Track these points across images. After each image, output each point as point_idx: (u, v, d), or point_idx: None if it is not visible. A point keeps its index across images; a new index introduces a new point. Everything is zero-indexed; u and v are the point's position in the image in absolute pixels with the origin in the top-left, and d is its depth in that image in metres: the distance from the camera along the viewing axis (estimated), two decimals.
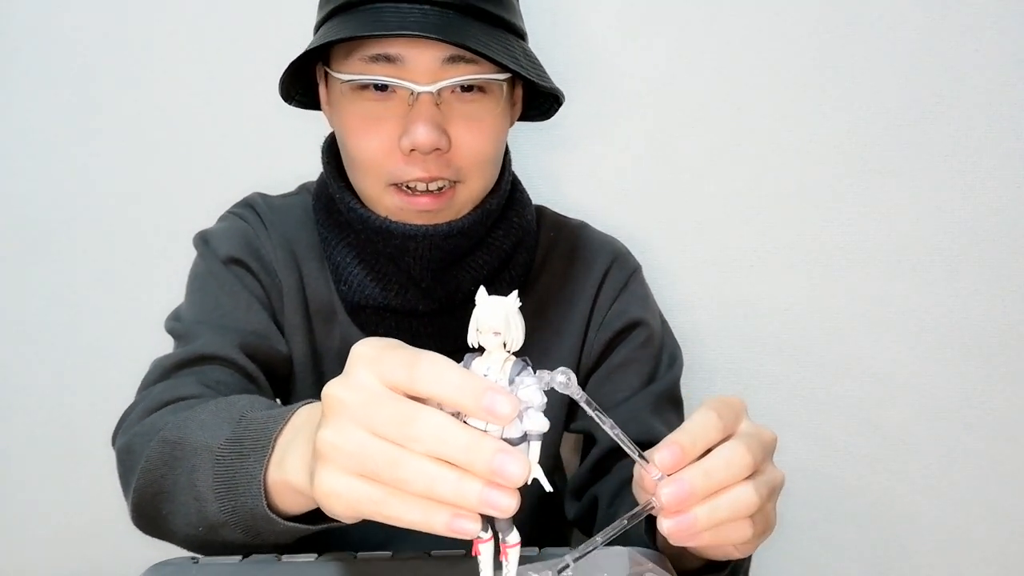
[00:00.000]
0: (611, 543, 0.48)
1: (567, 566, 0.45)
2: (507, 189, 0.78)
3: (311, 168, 1.03)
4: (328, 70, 0.71)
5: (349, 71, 0.68)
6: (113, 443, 0.70)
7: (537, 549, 0.66)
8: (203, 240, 0.81)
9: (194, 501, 0.56)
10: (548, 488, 0.42)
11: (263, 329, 0.76)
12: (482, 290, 0.43)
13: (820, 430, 1.10)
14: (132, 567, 0.77)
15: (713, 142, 1.05)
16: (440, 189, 0.70)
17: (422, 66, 0.66)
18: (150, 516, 0.62)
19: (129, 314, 1.12)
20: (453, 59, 0.66)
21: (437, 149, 0.67)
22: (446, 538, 0.51)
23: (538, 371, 0.41)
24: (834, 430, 1.10)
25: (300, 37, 1.02)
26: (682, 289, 1.08)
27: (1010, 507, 1.11)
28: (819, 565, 1.13)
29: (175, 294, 1.08)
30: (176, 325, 0.78)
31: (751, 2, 1.02)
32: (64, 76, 1.07)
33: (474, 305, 0.46)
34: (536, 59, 0.73)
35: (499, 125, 0.72)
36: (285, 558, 0.66)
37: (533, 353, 0.75)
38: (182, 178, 1.09)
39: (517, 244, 0.78)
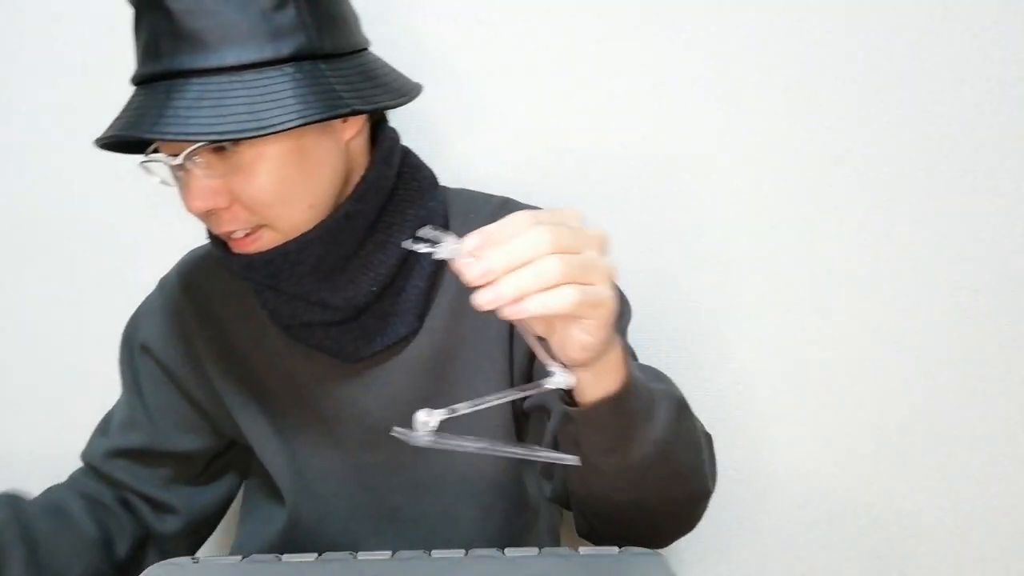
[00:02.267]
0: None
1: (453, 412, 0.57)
2: (382, 192, 0.75)
3: None
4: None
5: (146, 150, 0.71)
6: None
7: (537, 550, 0.66)
8: (128, 331, 0.89)
9: None
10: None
11: (167, 432, 0.86)
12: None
13: (820, 430, 1.10)
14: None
15: (713, 142, 1.05)
16: (247, 234, 0.71)
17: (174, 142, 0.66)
18: None
19: (129, 314, 1.12)
20: None
21: (213, 211, 0.69)
22: (443, 538, 0.58)
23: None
24: (834, 430, 1.10)
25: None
26: (682, 289, 1.08)
27: (1010, 507, 1.11)
28: (819, 565, 1.13)
29: None
30: (107, 418, 0.90)
31: (751, 1, 1.02)
32: (64, 76, 1.07)
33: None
34: (332, 85, 0.67)
35: (278, 166, 0.68)
36: (285, 558, 0.66)
37: (466, 337, 0.78)
38: None
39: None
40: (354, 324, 0.77)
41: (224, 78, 0.64)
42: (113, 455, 0.86)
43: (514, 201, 0.86)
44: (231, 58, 0.65)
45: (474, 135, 1.06)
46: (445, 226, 0.80)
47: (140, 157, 0.72)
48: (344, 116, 0.68)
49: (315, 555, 0.66)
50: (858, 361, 1.09)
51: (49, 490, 0.85)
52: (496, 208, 0.84)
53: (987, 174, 1.04)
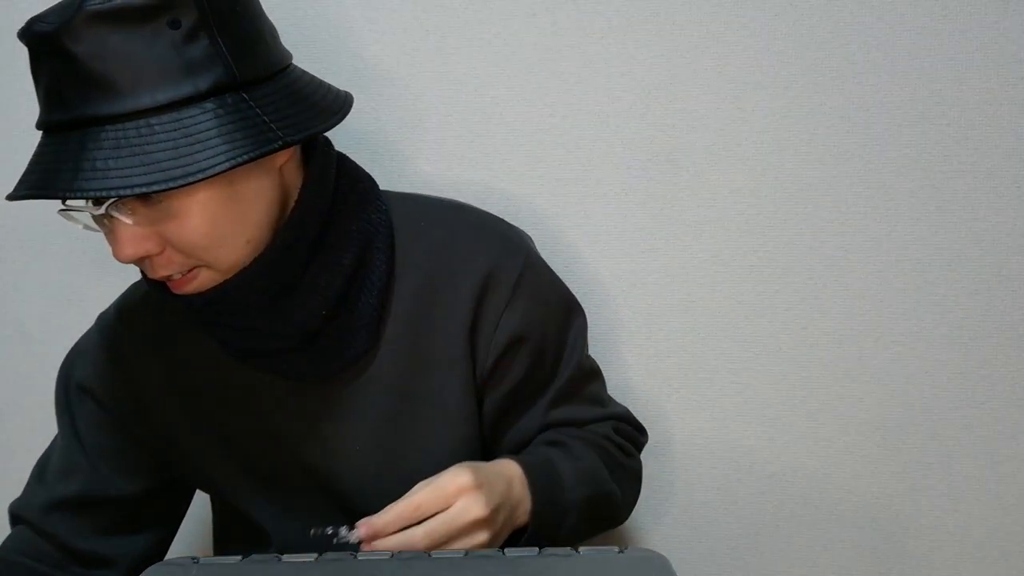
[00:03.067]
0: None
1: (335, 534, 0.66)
2: (317, 213, 0.72)
3: None
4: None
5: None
6: None
7: (537, 550, 0.66)
8: (64, 371, 0.84)
9: None
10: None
11: (104, 477, 0.81)
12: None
13: (820, 430, 1.10)
14: None
15: (713, 142, 1.05)
16: (183, 275, 0.68)
17: None
18: None
19: None
20: None
21: (145, 257, 0.66)
22: None
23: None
24: (834, 430, 1.10)
25: (301, 37, 1.02)
26: (682, 289, 1.08)
27: (1010, 507, 1.11)
28: (819, 565, 1.13)
29: None
30: (37, 465, 0.86)
31: (751, 1, 1.02)
32: None
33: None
34: (259, 116, 0.63)
35: (205, 208, 0.64)
36: (285, 558, 0.66)
37: (430, 352, 0.78)
38: None
39: (364, 250, 0.74)
40: (309, 348, 0.74)
41: (141, 122, 0.60)
42: (51, 507, 0.81)
43: (467, 207, 0.83)
44: (146, 100, 0.60)
45: (474, 136, 1.06)
46: (390, 239, 0.76)
47: (59, 204, 0.67)
48: (274, 151, 0.63)
49: (315, 555, 0.66)
50: (858, 361, 1.09)
51: None
52: (448, 214, 0.81)
53: (987, 174, 1.04)
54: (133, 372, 0.81)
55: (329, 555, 0.66)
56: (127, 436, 0.83)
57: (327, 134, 0.74)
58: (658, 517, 1.13)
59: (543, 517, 0.72)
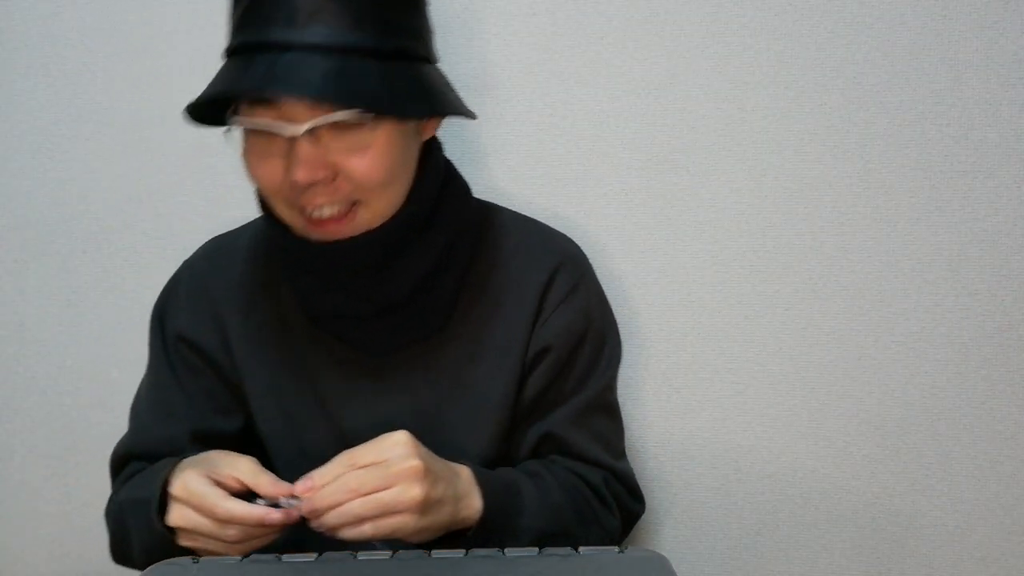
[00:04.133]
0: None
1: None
2: (433, 194, 0.79)
3: None
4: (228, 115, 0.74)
5: (239, 114, 0.71)
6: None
7: (537, 550, 0.66)
8: (158, 318, 0.88)
9: (138, 535, 0.76)
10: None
11: (207, 416, 0.86)
12: None
13: (820, 430, 1.10)
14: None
15: (713, 142, 1.05)
16: (340, 212, 0.73)
17: (296, 109, 0.68)
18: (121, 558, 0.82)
19: (129, 314, 1.12)
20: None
21: (315, 183, 0.70)
22: (442, 538, 0.73)
23: None
24: (834, 430, 1.10)
25: None
26: (682, 289, 1.08)
27: (1010, 507, 1.11)
28: (819, 565, 1.13)
29: None
30: (133, 409, 0.89)
31: (751, 2, 1.02)
32: (64, 76, 1.07)
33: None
34: (428, 81, 0.73)
35: (388, 149, 0.72)
36: (285, 558, 0.66)
37: (490, 345, 0.83)
38: (182, 177, 1.09)
39: (455, 238, 0.81)
40: (383, 319, 0.80)
41: (357, 58, 0.68)
42: (162, 443, 0.84)
43: (540, 222, 0.91)
44: (367, 42, 0.68)
45: (474, 136, 1.06)
46: (476, 236, 0.84)
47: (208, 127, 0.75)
48: (461, 115, 0.75)
49: (315, 555, 0.66)
50: (858, 361, 1.09)
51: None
52: (525, 223, 0.89)
53: (987, 174, 1.04)
54: (220, 315, 0.86)
55: (329, 555, 0.66)
56: (221, 379, 0.87)
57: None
58: (658, 517, 1.13)
59: (491, 527, 0.74)
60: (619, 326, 0.92)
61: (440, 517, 0.70)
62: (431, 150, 0.81)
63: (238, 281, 0.86)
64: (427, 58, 0.75)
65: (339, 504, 0.66)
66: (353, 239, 0.74)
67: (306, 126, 0.68)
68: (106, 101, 1.08)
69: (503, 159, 1.06)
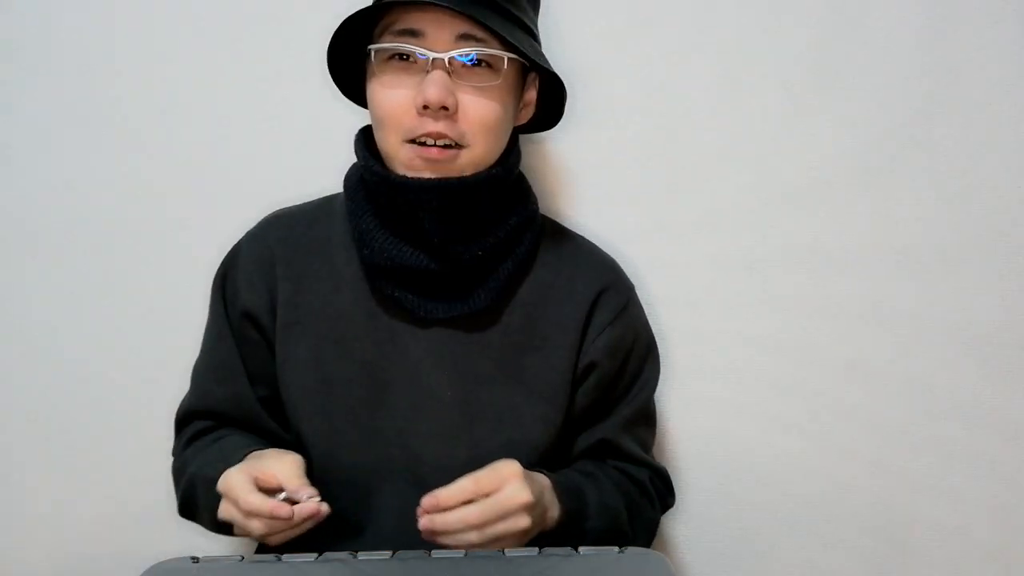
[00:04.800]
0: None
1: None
2: (515, 170, 0.88)
3: (306, 168, 1.03)
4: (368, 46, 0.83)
5: (381, 43, 0.81)
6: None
7: (537, 550, 0.66)
8: (220, 287, 0.92)
9: (205, 512, 0.83)
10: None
11: (261, 378, 0.90)
12: None
13: (820, 430, 1.10)
14: (132, 567, 0.77)
15: (713, 142, 1.05)
16: (447, 146, 0.81)
17: (439, 39, 0.79)
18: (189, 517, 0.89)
19: (129, 313, 1.12)
20: (465, 36, 0.79)
21: (444, 108, 0.78)
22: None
23: None
24: (834, 430, 1.10)
25: (303, 36, 1.02)
26: (682, 289, 1.08)
27: (1010, 507, 1.11)
28: (819, 565, 1.13)
29: (174, 293, 1.08)
30: (195, 370, 0.94)
31: (751, 2, 1.02)
32: (64, 76, 1.07)
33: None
34: (542, 55, 0.84)
35: (504, 99, 0.82)
36: (285, 558, 0.66)
37: (535, 337, 0.87)
38: (182, 177, 1.09)
39: (522, 227, 0.88)
40: (446, 280, 0.85)
41: (507, 22, 0.80)
42: (219, 404, 0.91)
43: (592, 243, 0.98)
44: (515, 9, 0.82)
45: None
46: (538, 233, 0.91)
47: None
48: (561, 89, 0.86)
49: (315, 555, 0.66)
50: (858, 361, 1.09)
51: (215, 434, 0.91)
52: (580, 238, 0.97)
53: (987, 174, 1.04)
54: (274, 280, 0.90)
55: (329, 555, 0.66)
56: (267, 343, 0.91)
57: None
58: None
59: (566, 532, 0.80)
60: None
61: (536, 523, 0.76)
62: (514, 144, 0.89)
63: (295, 245, 0.91)
64: (538, 38, 0.87)
65: (455, 532, 0.71)
66: (465, 181, 0.82)
67: (452, 52, 0.78)
68: (106, 101, 1.08)
69: None
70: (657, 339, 1.02)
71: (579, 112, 1.05)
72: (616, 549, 0.65)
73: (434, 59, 0.78)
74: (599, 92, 1.05)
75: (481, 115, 0.80)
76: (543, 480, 0.80)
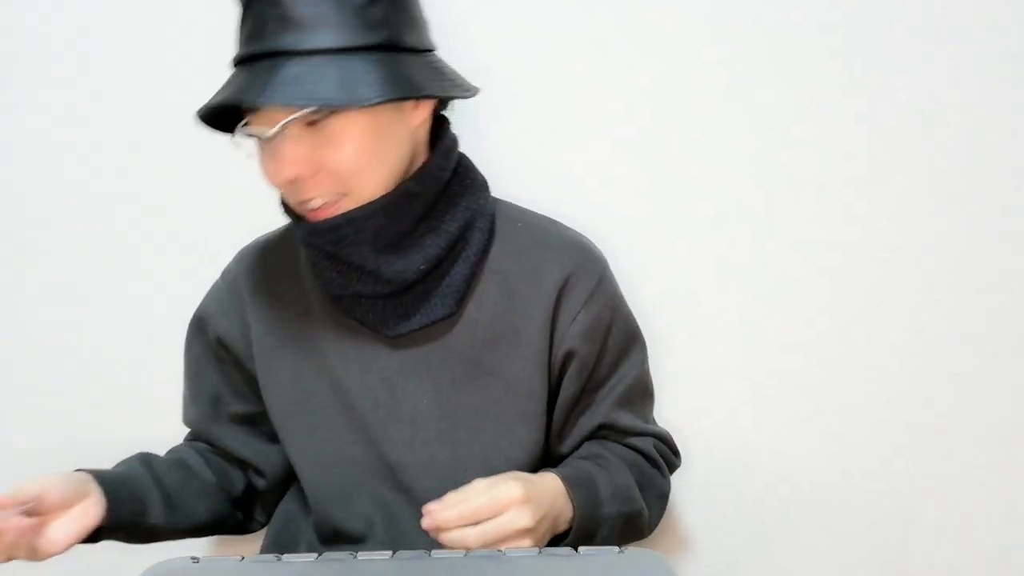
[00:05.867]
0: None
1: None
2: (440, 177, 0.84)
3: None
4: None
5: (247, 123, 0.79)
6: None
7: (537, 550, 0.66)
8: (199, 319, 0.95)
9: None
10: None
11: (243, 400, 0.93)
12: None
13: (820, 430, 1.10)
14: (132, 567, 0.78)
15: (714, 142, 1.05)
16: (329, 203, 0.79)
17: (268, 113, 0.75)
18: None
19: (129, 314, 1.12)
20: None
21: (298, 178, 0.76)
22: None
23: None
24: (834, 430, 1.10)
25: None
26: (682, 289, 1.08)
27: (1010, 507, 1.11)
28: (819, 565, 1.13)
29: (174, 293, 1.08)
30: (183, 403, 0.96)
31: (751, 2, 1.02)
32: (64, 76, 1.07)
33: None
34: (395, 69, 0.76)
35: (361, 140, 0.77)
36: (285, 558, 0.66)
37: (506, 332, 0.87)
38: (182, 177, 1.09)
39: (467, 226, 0.86)
40: (398, 299, 0.84)
41: (320, 59, 0.74)
42: (191, 425, 0.95)
43: (554, 220, 0.93)
44: (328, 41, 0.74)
45: (474, 135, 1.06)
46: (491, 226, 0.88)
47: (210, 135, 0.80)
48: (420, 98, 0.79)
49: (315, 555, 0.66)
50: (859, 361, 1.09)
51: (172, 449, 0.95)
52: (543, 221, 0.93)
53: (987, 174, 1.04)
54: (246, 310, 0.92)
55: (329, 555, 0.66)
56: (239, 369, 0.93)
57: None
58: None
59: (582, 529, 0.81)
60: None
61: (542, 538, 0.77)
62: (442, 140, 0.86)
63: (263, 274, 0.92)
64: (409, 48, 0.78)
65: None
66: (348, 216, 0.79)
67: (274, 129, 0.74)
68: (106, 101, 1.08)
69: (505, 159, 1.06)
70: (659, 338, 1.02)
71: (580, 112, 1.05)
72: (616, 549, 0.66)
73: (265, 139, 0.76)
74: (599, 91, 1.05)
75: (339, 165, 0.77)
76: (552, 486, 0.79)
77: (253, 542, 1.03)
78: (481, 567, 0.64)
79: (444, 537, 0.72)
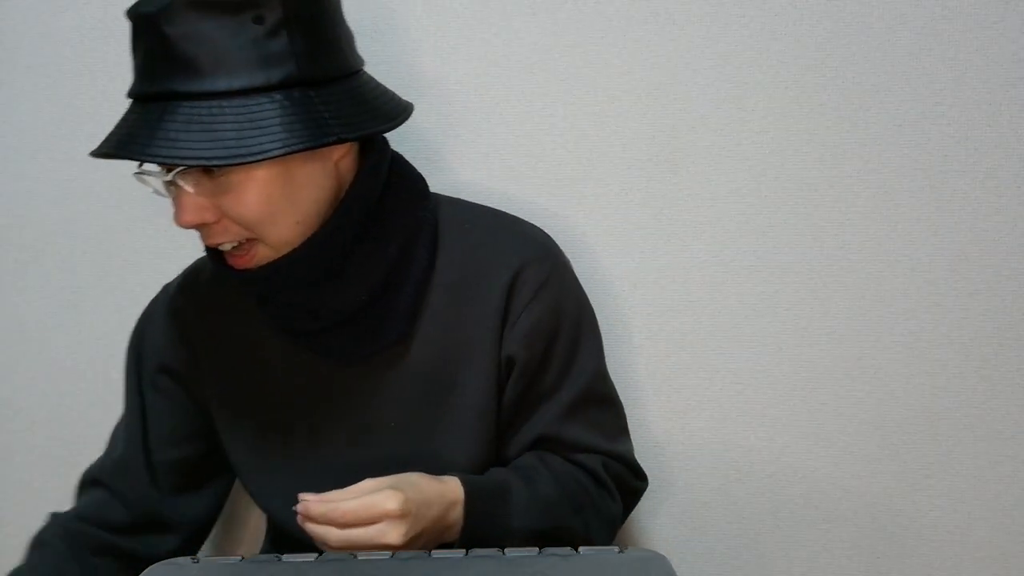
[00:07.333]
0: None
1: None
2: (368, 203, 0.77)
3: None
4: None
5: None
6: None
7: (537, 550, 0.66)
8: (137, 345, 0.90)
9: None
10: None
11: (179, 443, 0.89)
12: None
13: (820, 430, 1.10)
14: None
15: (713, 142, 1.05)
16: (239, 246, 0.74)
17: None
18: None
19: (129, 314, 1.12)
20: None
21: (203, 224, 0.72)
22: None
23: None
24: (834, 430, 1.10)
25: None
26: (681, 289, 1.08)
27: (1010, 507, 1.11)
28: (819, 565, 1.13)
29: None
30: (113, 432, 0.91)
31: (751, 1, 1.02)
32: (64, 76, 1.07)
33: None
34: (319, 113, 0.69)
35: (262, 187, 0.70)
36: (285, 558, 0.66)
37: (460, 345, 0.82)
38: None
39: (408, 243, 0.80)
40: (348, 329, 0.80)
41: (214, 103, 0.66)
42: (120, 468, 0.89)
43: (508, 214, 0.88)
44: (222, 84, 0.66)
45: (474, 136, 1.06)
46: (434, 236, 0.82)
47: (135, 165, 0.75)
48: (328, 144, 0.69)
49: (315, 555, 0.66)
50: (858, 361, 1.09)
51: (41, 549, 0.86)
52: (488, 218, 0.87)
53: (987, 174, 1.04)
54: (191, 337, 0.87)
55: (329, 555, 0.66)
56: (190, 400, 0.88)
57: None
58: (658, 517, 1.13)
59: (473, 541, 0.76)
60: (618, 326, 0.92)
61: (422, 545, 0.73)
62: (368, 157, 0.78)
63: (213, 300, 0.87)
64: (323, 78, 0.70)
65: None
66: (273, 265, 0.74)
67: (168, 176, 0.70)
68: (106, 101, 1.08)
69: (502, 159, 1.06)
70: (656, 340, 1.02)
71: (579, 112, 1.05)
72: (616, 549, 0.65)
73: (164, 182, 0.71)
74: (599, 91, 1.05)
75: (240, 215, 0.71)
76: (447, 495, 0.74)
77: (253, 542, 1.03)
78: (481, 567, 0.64)
79: (308, 527, 0.69)
